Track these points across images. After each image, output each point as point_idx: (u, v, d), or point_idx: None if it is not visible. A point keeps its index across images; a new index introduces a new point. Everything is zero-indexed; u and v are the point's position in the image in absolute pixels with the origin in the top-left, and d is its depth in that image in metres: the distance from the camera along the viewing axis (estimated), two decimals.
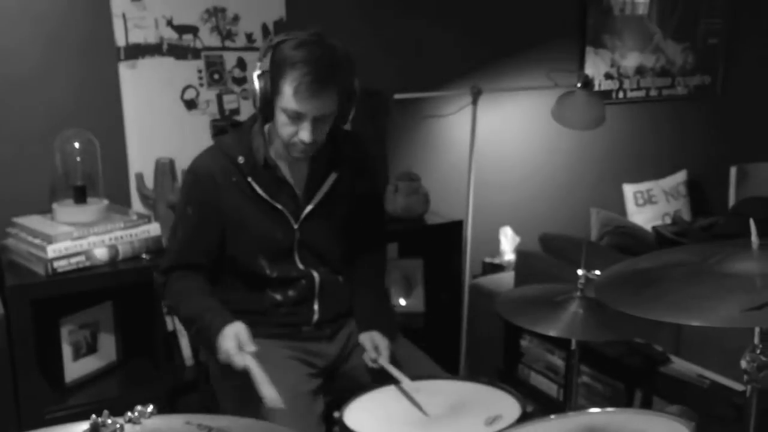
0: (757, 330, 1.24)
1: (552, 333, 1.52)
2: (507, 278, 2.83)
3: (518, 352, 2.34)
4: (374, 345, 1.72)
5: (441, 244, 2.82)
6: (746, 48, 3.76)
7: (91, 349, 2.29)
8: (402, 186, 2.73)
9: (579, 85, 2.84)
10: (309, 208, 1.77)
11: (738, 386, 1.82)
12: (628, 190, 3.53)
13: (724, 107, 3.75)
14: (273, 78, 1.61)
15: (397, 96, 2.79)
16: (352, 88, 1.69)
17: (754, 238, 1.24)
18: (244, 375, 1.56)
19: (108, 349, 2.33)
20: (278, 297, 1.76)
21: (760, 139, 3.75)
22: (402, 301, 2.84)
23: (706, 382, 1.85)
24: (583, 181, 3.47)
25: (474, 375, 1.74)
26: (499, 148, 3.22)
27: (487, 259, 3.11)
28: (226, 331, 1.60)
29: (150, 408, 0.94)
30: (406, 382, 1.58)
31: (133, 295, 2.28)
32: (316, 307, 1.79)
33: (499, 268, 3.04)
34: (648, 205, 3.53)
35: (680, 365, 1.94)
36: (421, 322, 2.79)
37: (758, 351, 1.24)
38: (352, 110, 1.73)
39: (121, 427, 0.84)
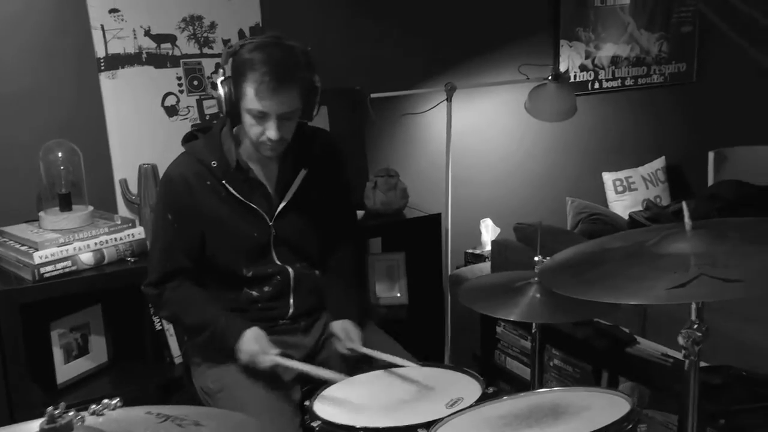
0: (693, 307, 1.31)
1: (512, 317, 1.60)
2: (487, 268, 2.90)
3: (494, 338, 2.43)
4: (347, 333, 1.79)
5: (422, 237, 2.89)
6: (719, 35, 3.81)
7: (83, 351, 2.37)
8: (380, 182, 2.80)
9: (550, 77, 2.91)
10: (282, 205, 1.85)
11: (701, 363, 1.90)
12: (608, 178, 3.60)
13: (700, 93, 3.82)
14: (236, 81, 1.70)
15: (373, 95, 2.87)
16: (313, 85, 1.77)
17: (687, 219, 1.30)
18: (223, 375, 1.67)
19: (99, 350, 2.41)
20: (254, 293, 1.84)
21: (737, 123, 3.82)
22: (386, 294, 2.91)
23: (670, 360, 1.92)
24: (562, 171, 3.54)
25: (440, 362, 1.82)
26: (477, 142, 3.30)
27: (469, 250, 3.19)
28: (247, 335, 1.71)
29: (116, 401, 1.01)
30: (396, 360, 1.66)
31: (121, 297, 2.36)
32: (291, 301, 1.87)
33: (480, 258, 3.12)
34: (627, 192, 3.60)
35: (646, 345, 2.02)
36: (405, 314, 2.87)
37: (694, 327, 1.31)
38: (315, 106, 1.80)
39: (82, 418, 0.91)
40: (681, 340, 1.31)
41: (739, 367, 1.86)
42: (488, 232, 3.19)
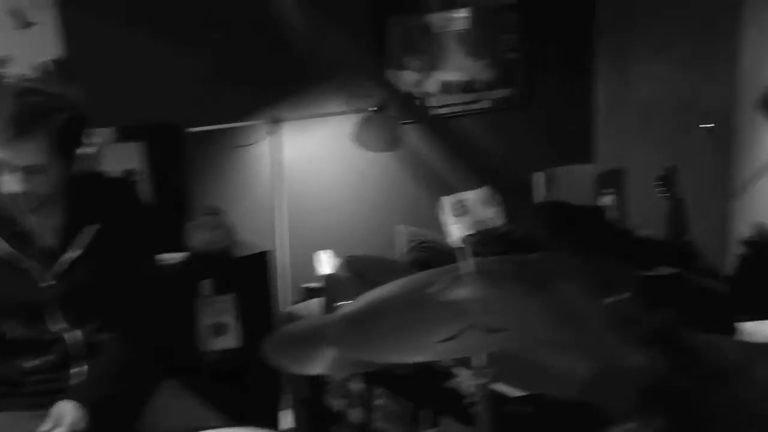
0: (477, 355, 1.30)
1: (313, 371, 1.52)
2: (319, 303, 2.83)
3: (323, 380, 2.35)
4: (58, 417, 1.58)
5: (254, 276, 2.78)
6: (543, 60, 4.00)
7: None
8: (204, 221, 2.67)
9: (374, 108, 2.91)
10: (64, 262, 1.68)
11: (513, 392, 1.92)
12: (445, 202, 3.65)
13: (528, 117, 3.97)
14: None
15: (192, 129, 2.74)
16: (72, 137, 1.61)
17: (467, 262, 1.29)
18: None
19: None
20: (31, 363, 1.65)
21: (563, 144, 4.01)
22: (216, 339, 2.77)
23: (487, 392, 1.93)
24: (400, 199, 3.55)
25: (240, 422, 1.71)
26: (313, 173, 3.24)
27: (306, 285, 3.11)
28: None
29: None
30: None
31: None
32: (77, 370, 1.69)
33: (316, 293, 3.04)
34: (463, 215, 3.66)
35: (465, 378, 2.02)
36: (237, 359, 2.74)
37: (482, 371, 1.30)
38: (74, 161, 1.64)
39: None
40: (465, 386, 1.29)
41: (552, 395, 1.90)
42: (324, 264, 3.12)
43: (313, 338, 1.60)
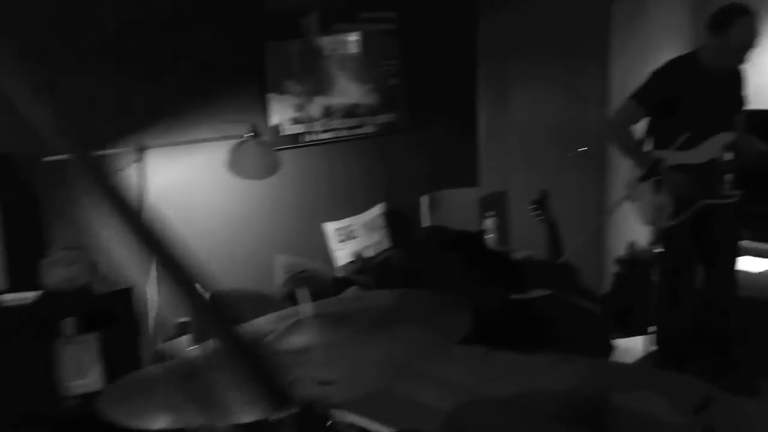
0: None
1: (156, 426, 1.41)
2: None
3: None
4: None
5: (119, 313, 2.61)
6: (426, 85, 4.03)
7: None
8: (60, 256, 2.49)
9: (248, 134, 2.82)
10: None
11: (385, 429, 1.87)
12: (330, 228, 3.59)
13: (412, 141, 3.98)
14: None
15: (47, 158, 2.54)
16: None
17: (304, 308, 1.23)
18: None
19: None
20: None
21: (447, 168, 4.05)
22: (77, 382, 2.57)
23: (353, 430, 1.87)
24: (282, 226, 3.45)
25: None
26: (186, 203, 3.09)
27: (181, 320, 2.95)
28: None
29: None
30: None
31: None
32: None
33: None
34: (349, 240, 3.62)
35: (342, 416, 1.95)
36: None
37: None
38: None
39: None
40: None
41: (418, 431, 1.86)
42: None
43: (150, 391, 1.49)
